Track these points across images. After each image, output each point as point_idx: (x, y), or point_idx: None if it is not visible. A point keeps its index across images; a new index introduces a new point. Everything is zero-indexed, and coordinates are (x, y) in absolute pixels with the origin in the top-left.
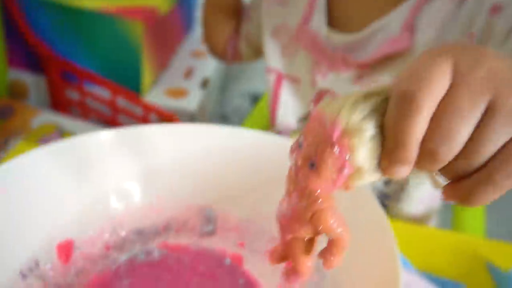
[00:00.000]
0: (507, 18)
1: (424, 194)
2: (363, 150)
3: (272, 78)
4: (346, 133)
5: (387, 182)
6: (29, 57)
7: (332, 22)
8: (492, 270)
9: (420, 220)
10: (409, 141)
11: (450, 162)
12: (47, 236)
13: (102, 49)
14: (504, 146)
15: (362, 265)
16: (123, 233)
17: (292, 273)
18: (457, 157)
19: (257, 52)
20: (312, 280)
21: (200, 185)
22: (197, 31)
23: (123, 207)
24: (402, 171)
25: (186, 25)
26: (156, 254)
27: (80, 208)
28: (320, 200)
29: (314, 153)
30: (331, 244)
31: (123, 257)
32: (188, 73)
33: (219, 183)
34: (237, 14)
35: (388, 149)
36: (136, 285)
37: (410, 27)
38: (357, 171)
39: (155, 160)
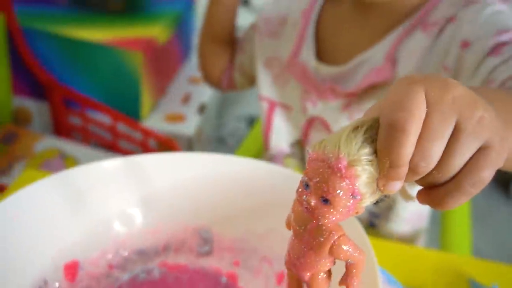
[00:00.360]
0: (475, 53)
1: (411, 214)
2: (365, 176)
3: (264, 105)
4: (350, 164)
5: (376, 202)
6: (33, 85)
7: (320, 54)
8: (474, 286)
9: (408, 239)
10: (402, 162)
11: (426, 174)
12: (54, 257)
13: (103, 78)
14: (470, 159)
15: None
16: (125, 254)
17: None
18: (432, 169)
19: (251, 81)
20: None
21: (197, 208)
22: (194, 58)
23: (125, 230)
24: (397, 187)
25: (184, 52)
26: (156, 273)
27: (85, 231)
28: (333, 231)
29: (325, 189)
30: (352, 268)
31: (125, 276)
32: (186, 99)
33: (214, 206)
34: (231, 45)
35: (384, 170)
36: None
37: (392, 59)
38: (363, 195)
39: (154, 187)
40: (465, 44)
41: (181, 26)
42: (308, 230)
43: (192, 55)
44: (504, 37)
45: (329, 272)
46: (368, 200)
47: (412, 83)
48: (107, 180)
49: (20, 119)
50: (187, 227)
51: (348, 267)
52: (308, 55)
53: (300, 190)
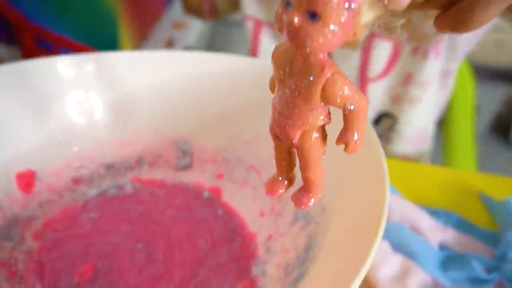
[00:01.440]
0: None
1: (415, 133)
2: None
3: (250, 26)
4: None
5: (377, 121)
6: (2, 27)
7: None
8: (485, 200)
9: (412, 160)
10: None
11: None
12: (5, 164)
13: (78, 16)
14: None
15: (350, 186)
16: (92, 167)
17: (304, 191)
18: None
19: (234, 4)
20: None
21: (174, 116)
22: (178, 2)
23: (91, 140)
24: None
25: None
26: (128, 189)
27: (43, 138)
28: (326, 67)
29: (311, 2)
30: (351, 117)
31: (92, 191)
32: (169, 43)
33: (194, 112)
34: None
35: None
36: (104, 217)
37: None
38: (361, 4)
39: (124, 90)
40: None
41: None
42: (294, 70)
43: (175, 1)
44: None
45: (323, 133)
46: (367, 13)
47: None
48: (72, 79)
49: None
50: (163, 138)
51: (347, 116)
52: None
53: (278, 12)
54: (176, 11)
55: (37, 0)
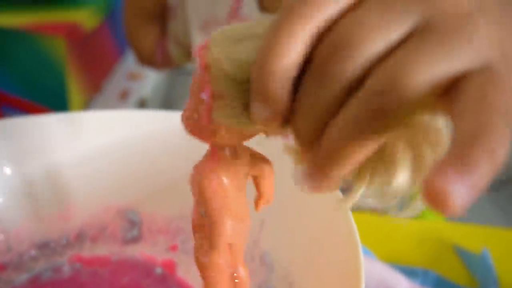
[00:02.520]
0: None
1: None
2: (222, 80)
3: None
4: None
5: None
6: None
7: (264, 6)
8: (461, 254)
9: (381, 211)
10: (266, 71)
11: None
12: None
13: (23, 70)
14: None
15: (319, 259)
16: (21, 249)
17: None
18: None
19: (188, 52)
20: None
21: (118, 183)
22: (131, 53)
23: (20, 216)
24: (262, 114)
25: (119, 47)
26: (66, 270)
27: None
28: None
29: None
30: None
31: (21, 278)
32: (124, 95)
33: (141, 178)
34: (161, 16)
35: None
36: None
37: None
38: (219, 100)
39: (58, 157)
40: None
41: (112, 17)
42: None
43: (128, 51)
44: None
45: None
46: (223, 115)
47: None
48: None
49: None
50: (106, 208)
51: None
52: (250, 7)
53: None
54: (130, 61)
55: None
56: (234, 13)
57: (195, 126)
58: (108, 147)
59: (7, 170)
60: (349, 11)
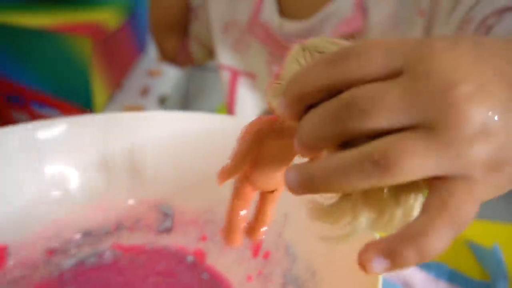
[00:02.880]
0: None
1: None
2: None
3: (226, 75)
4: None
5: None
6: None
7: (283, 11)
8: (474, 249)
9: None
10: (294, 82)
11: None
12: None
13: (50, 68)
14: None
15: (341, 252)
16: (67, 236)
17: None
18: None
19: (210, 52)
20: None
21: (153, 178)
22: (152, 50)
23: (66, 207)
24: (282, 107)
25: (140, 44)
26: (107, 256)
27: (14, 209)
28: None
29: None
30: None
31: (68, 262)
32: (145, 91)
33: (173, 173)
34: (184, 19)
35: None
36: None
37: (362, 7)
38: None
39: (100, 154)
40: None
41: (134, 16)
42: None
43: (149, 48)
44: None
45: None
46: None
47: None
48: (41, 147)
49: None
50: (143, 201)
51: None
52: (270, 12)
53: None
54: (150, 58)
55: (5, 51)
56: (255, 18)
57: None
58: (143, 146)
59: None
60: (381, 80)
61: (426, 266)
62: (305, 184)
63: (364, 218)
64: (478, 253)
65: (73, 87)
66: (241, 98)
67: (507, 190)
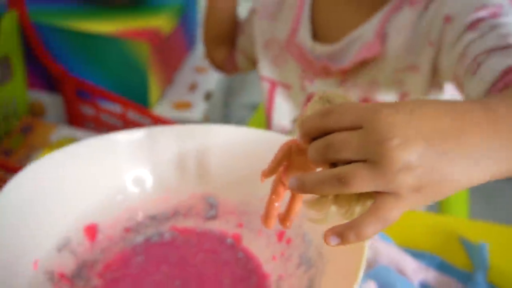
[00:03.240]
0: (455, 27)
1: None
2: None
3: (266, 85)
4: None
5: None
6: (46, 78)
7: (316, 34)
8: (465, 244)
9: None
10: (302, 121)
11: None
12: (76, 219)
13: (112, 69)
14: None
15: None
16: (139, 218)
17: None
18: None
19: (253, 63)
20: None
21: (202, 176)
22: (199, 48)
23: (138, 197)
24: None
25: (189, 43)
26: (167, 236)
27: (103, 198)
28: None
29: None
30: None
31: (139, 238)
32: (193, 87)
33: (219, 174)
34: (232, 33)
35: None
36: (149, 261)
37: (382, 35)
38: None
39: (164, 156)
40: (447, 19)
41: (185, 18)
42: None
43: (197, 46)
44: (481, 13)
45: None
46: None
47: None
48: (122, 151)
49: (35, 111)
50: (194, 194)
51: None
52: (304, 35)
53: None
54: (197, 56)
55: (77, 57)
56: (292, 38)
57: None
58: (194, 152)
59: (140, 166)
60: (349, 129)
61: (420, 255)
62: (298, 187)
63: (334, 210)
64: (468, 248)
65: (132, 85)
66: (278, 105)
67: (428, 203)
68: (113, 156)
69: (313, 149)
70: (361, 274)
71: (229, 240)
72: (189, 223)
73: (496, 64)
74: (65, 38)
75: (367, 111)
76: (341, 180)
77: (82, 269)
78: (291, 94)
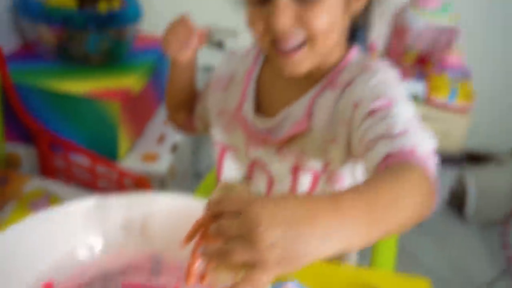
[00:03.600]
0: (360, 113)
1: None
2: None
3: (217, 149)
4: None
5: None
6: (22, 132)
7: (260, 107)
8: None
9: (340, 255)
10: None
11: None
12: (35, 278)
13: (85, 126)
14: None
15: None
16: (91, 275)
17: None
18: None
19: (208, 127)
20: None
21: (151, 238)
22: None
23: (91, 257)
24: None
25: (159, 97)
26: None
27: (60, 259)
28: None
29: None
30: None
31: None
32: (161, 139)
33: (164, 236)
34: (192, 101)
35: None
36: None
37: (309, 113)
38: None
39: (113, 222)
40: (355, 105)
41: (155, 75)
42: None
43: None
44: (378, 103)
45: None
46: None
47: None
48: (74, 220)
49: (11, 163)
50: (141, 254)
51: None
52: (248, 109)
53: None
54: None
55: (52, 112)
56: (238, 110)
57: None
58: (142, 218)
59: (91, 231)
60: (233, 214)
61: None
62: (203, 256)
63: (224, 274)
64: None
65: (102, 140)
66: (227, 166)
67: (289, 272)
68: (68, 223)
69: (213, 226)
70: None
71: None
72: (137, 279)
73: (381, 149)
74: (42, 96)
75: (244, 204)
76: (226, 253)
77: None
78: (239, 157)
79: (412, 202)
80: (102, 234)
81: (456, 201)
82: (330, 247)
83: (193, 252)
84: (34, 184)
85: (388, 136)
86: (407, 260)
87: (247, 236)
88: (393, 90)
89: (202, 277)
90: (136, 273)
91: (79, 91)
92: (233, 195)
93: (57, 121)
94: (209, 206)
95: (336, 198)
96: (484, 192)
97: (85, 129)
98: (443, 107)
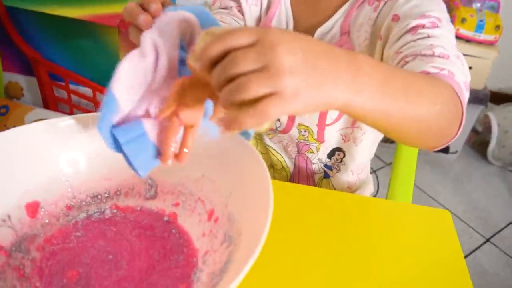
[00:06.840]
0: (399, 27)
1: (356, 166)
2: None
3: None
4: None
5: (331, 155)
6: (21, 61)
7: (295, 27)
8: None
9: (355, 187)
10: (203, 51)
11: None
12: (18, 197)
13: (84, 53)
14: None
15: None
16: (81, 197)
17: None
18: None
19: None
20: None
21: None
22: None
23: (81, 177)
24: (198, 66)
25: None
26: (107, 213)
27: (47, 177)
28: None
29: None
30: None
31: (81, 215)
32: None
33: None
34: None
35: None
36: (87, 236)
37: (346, 31)
38: None
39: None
40: (395, 18)
41: None
42: None
43: None
44: (422, 21)
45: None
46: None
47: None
48: (66, 136)
49: (12, 93)
50: (134, 175)
51: None
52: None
53: None
54: None
55: (50, 40)
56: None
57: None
58: None
59: (84, 148)
60: (245, 47)
61: None
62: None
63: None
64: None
65: (102, 70)
66: None
67: (301, 113)
68: (59, 139)
69: (216, 69)
70: (259, 249)
71: (165, 218)
72: (130, 202)
73: (417, 67)
74: (38, 21)
75: (260, 29)
76: (242, 86)
77: (22, 243)
78: None
79: (431, 103)
80: (96, 151)
81: (478, 141)
82: (341, 94)
83: (172, 124)
84: (36, 114)
85: (428, 55)
86: (424, 199)
87: (266, 60)
88: (438, 11)
89: (178, 154)
90: (129, 196)
91: (76, 15)
92: (240, 26)
93: (55, 49)
94: (207, 51)
95: (356, 54)
96: (507, 133)
97: (85, 58)
98: (470, 40)
